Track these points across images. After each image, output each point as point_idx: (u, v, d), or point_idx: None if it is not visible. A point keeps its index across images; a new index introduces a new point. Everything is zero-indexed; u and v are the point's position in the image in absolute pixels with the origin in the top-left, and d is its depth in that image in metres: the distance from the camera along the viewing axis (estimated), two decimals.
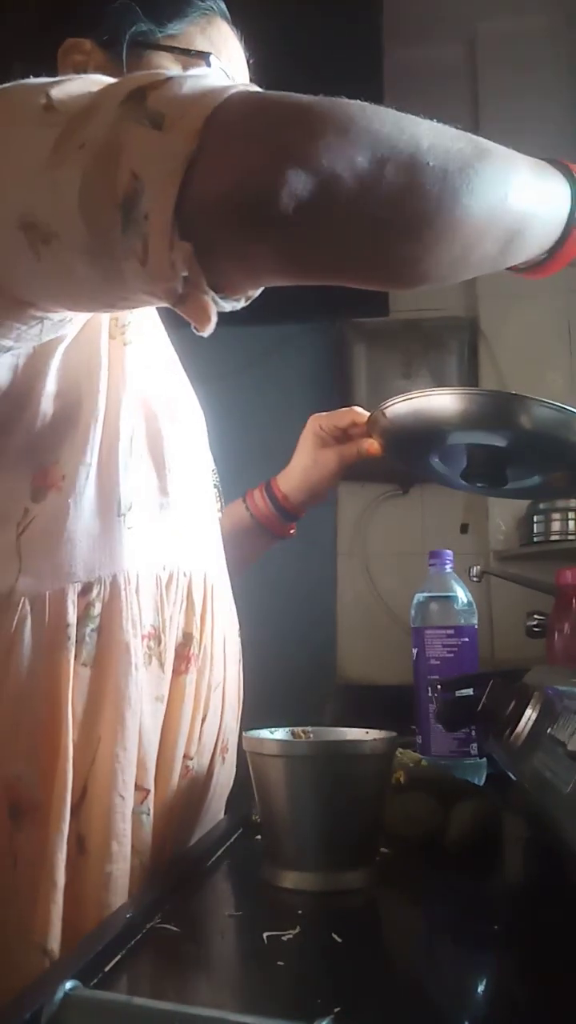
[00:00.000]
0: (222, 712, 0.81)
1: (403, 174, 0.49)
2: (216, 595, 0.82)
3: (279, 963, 0.52)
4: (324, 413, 1.06)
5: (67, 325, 0.66)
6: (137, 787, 0.70)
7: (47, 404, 0.70)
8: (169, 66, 0.77)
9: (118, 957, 0.51)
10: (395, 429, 0.94)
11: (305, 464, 1.07)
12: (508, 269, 0.62)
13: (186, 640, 0.77)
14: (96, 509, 0.71)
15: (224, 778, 0.84)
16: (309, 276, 0.54)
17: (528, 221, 0.56)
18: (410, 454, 1.02)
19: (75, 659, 0.68)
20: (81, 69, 0.75)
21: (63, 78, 0.57)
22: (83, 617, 0.69)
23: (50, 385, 0.70)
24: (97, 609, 0.70)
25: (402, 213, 0.50)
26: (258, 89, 0.52)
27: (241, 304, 0.56)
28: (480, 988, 0.52)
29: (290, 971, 0.52)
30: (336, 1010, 0.44)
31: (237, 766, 0.85)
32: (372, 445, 1.02)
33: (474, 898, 0.66)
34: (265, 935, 0.55)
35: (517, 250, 0.58)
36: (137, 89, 0.51)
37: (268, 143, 0.48)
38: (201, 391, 0.96)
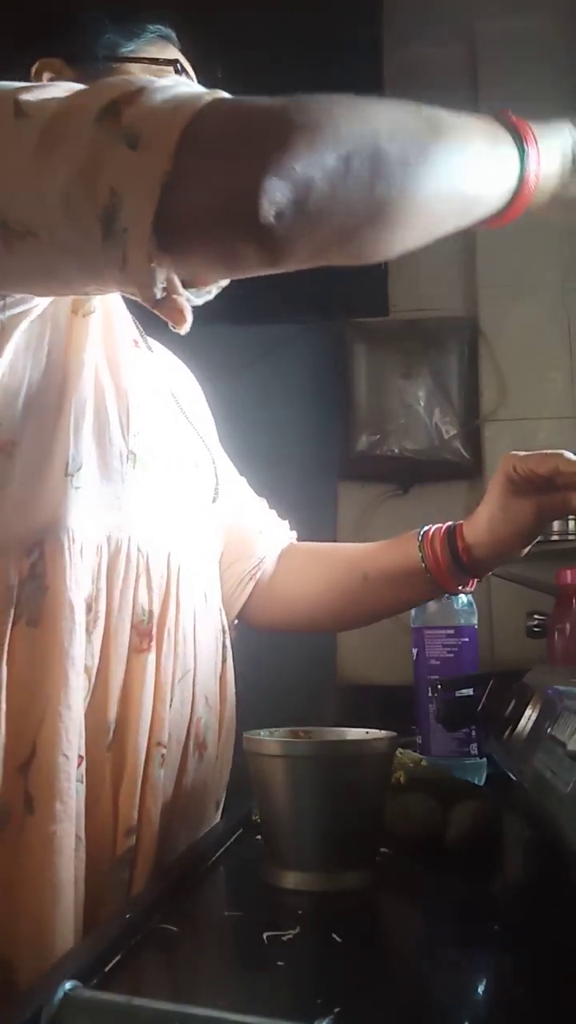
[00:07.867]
0: (192, 703, 0.80)
1: (367, 166, 0.52)
2: (183, 578, 0.80)
3: (279, 963, 0.53)
4: (521, 453, 0.86)
5: (30, 300, 0.69)
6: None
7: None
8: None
9: (118, 957, 0.51)
10: None
11: (491, 513, 0.90)
12: None
13: (145, 616, 0.76)
14: (42, 468, 0.71)
15: (203, 776, 0.81)
16: (287, 267, 0.57)
17: (482, 189, 0.59)
18: None
19: (18, 620, 0.69)
20: None
21: (32, 84, 0.60)
22: (26, 577, 0.70)
23: (8, 355, 0.71)
24: (40, 568, 0.70)
25: (370, 202, 0.53)
26: (228, 96, 0.55)
27: (212, 295, 0.60)
28: (480, 988, 0.52)
29: (290, 971, 0.52)
30: (336, 1010, 0.43)
31: (236, 766, 0.84)
32: None
33: (474, 898, 0.66)
34: (265, 935, 0.55)
35: (474, 216, 0.61)
36: (111, 104, 0.54)
37: (243, 157, 0.51)
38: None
